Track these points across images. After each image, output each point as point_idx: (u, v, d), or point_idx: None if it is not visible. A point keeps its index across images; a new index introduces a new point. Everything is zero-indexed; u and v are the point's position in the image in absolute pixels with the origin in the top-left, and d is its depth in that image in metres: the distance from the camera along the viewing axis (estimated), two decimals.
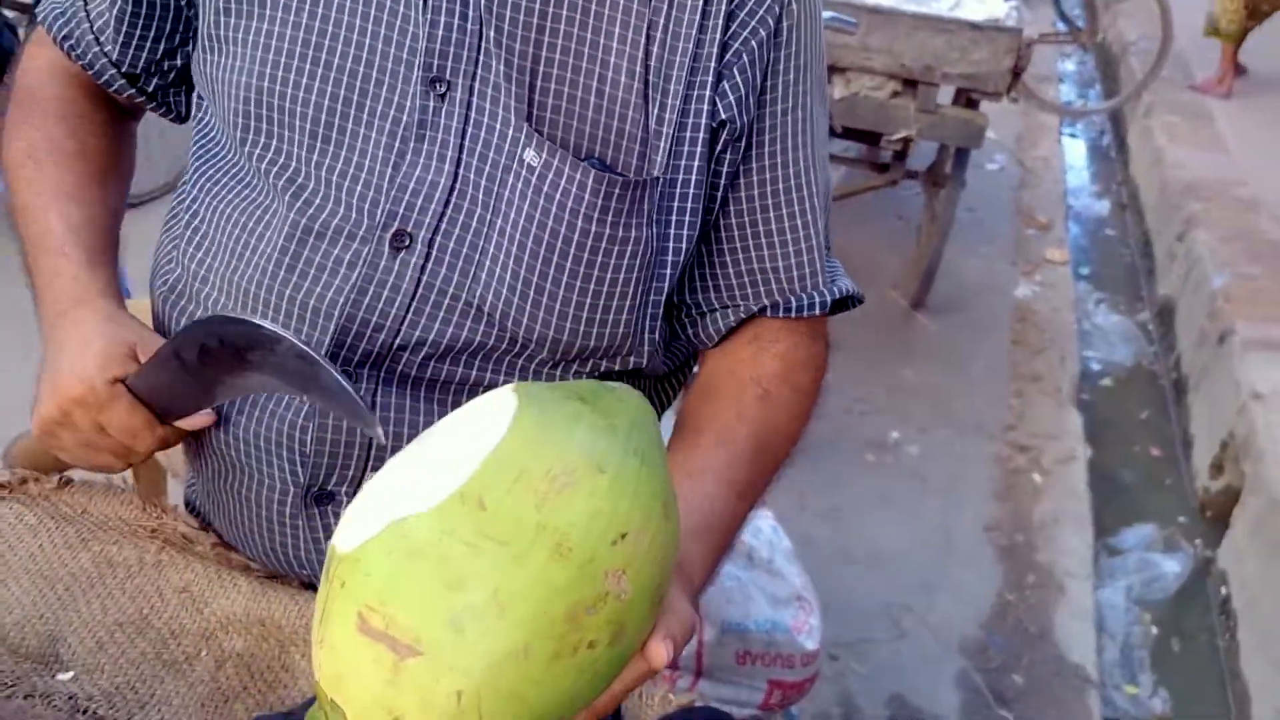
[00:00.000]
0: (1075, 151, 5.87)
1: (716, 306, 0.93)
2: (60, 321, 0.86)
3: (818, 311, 0.92)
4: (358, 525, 0.59)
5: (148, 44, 0.91)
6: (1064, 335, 3.84)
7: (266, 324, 0.76)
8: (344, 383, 0.74)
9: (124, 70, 0.93)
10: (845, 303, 0.97)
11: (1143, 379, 3.82)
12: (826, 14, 2.11)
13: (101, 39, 0.92)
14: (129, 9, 0.90)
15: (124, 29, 0.90)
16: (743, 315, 0.92)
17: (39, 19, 0.95)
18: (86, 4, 0.92)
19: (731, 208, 0.89)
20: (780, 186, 0.89)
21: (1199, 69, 5.90)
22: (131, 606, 0.88)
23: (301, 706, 0.78)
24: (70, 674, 0.83)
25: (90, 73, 0.94)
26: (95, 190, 0.93)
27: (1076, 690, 2.45)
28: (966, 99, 3.21)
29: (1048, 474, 3.10)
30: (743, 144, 0.87)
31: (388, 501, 0.59)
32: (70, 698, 0.80)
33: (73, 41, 0.93)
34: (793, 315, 0.92)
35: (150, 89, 0.95)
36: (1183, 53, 5.97)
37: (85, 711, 0.79)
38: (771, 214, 0.89)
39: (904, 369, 3.47)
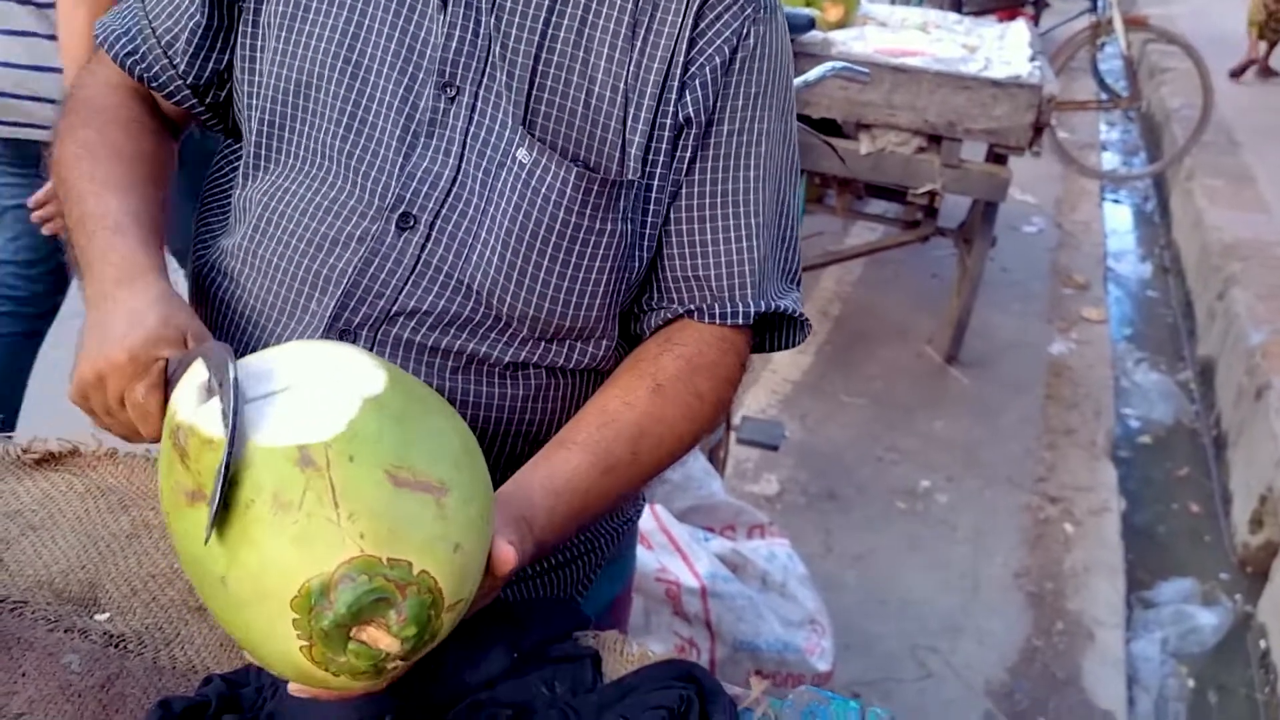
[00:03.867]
0: (1118, 216, 5.90)
1: (655, 306, 1.01)
2: (115, 292, 0.87)
3: (740, 321, 0.98)
4: (314, 418, 0.67)
5: (214, 56, 1.00)
6: (1100, 390, 3.85)
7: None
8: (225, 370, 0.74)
9: (189, 83, 1.01)
10: (784, 322, 1.03)
11: (1183, 437, 3.81)
12: (839, 64, 2.22)
13: (170, 53, 1.00)
14: (204, 23, 0.98)
15: (195, 41, 0.99)
16: (670, 315, 1.00)
17: (98, 40, 1.03)
18: (152, 22, 1.01)
19: (672, 215, 0.97)
20: (717, 200, 0.97)
21: (1240, 134, 5.94)
22: (164, 562, 0.98)
23: None
24: (106, 615, 0.92)
25: (154, 86, 1.03)
26: (150, 188, 0.99)
27: None
28: (994, 155, 3.29)
29: (1079, 525, 3.10)
30: (689, 155, 0.95)
31: (326, 398, 0.68)
32: (105, 634, 0.89)
33: (137, 57, 1.02)
34: (715, 321, 0.98)
35: (212, 100, 1.04)
36: (1225, 118, 6.02)
37: (117, 645, 0.88)
38: (707, 224, 0.97)
39: (935, 420, 3.51)
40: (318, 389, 0.70)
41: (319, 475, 0.64)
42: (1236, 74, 7.27)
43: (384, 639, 0.64)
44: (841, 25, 3.59)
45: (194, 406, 0.71)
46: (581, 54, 0.94)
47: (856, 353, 3.87)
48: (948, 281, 4.16)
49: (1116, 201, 6.06)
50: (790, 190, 1.03)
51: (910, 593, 2.73)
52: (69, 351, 0.90)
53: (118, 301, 0.87)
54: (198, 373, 0.75)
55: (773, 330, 1.04)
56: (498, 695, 0.85)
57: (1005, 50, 3.52)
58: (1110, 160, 6.79)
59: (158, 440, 0.84)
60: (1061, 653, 2.62)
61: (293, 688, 0.72)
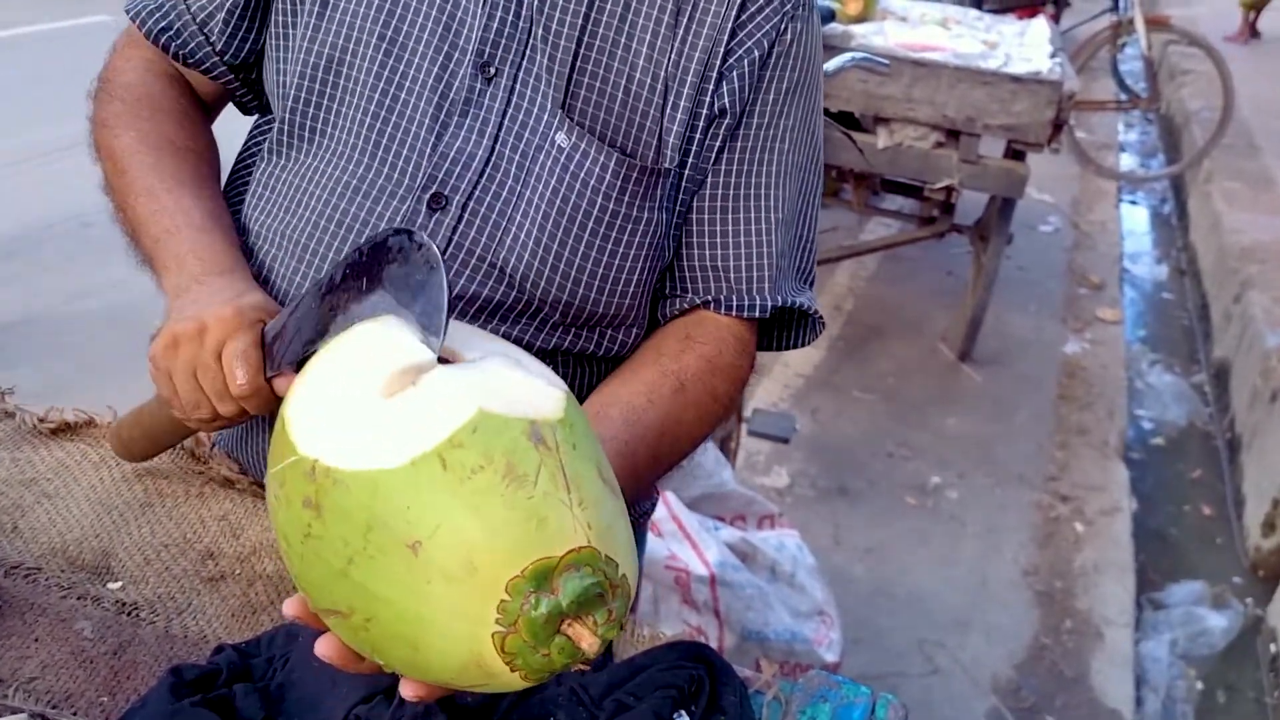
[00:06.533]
0: (1135, 218, 5.87)
1: (670, 294, 1.00)
2: (206, 279, 0.89)
3: (757, 314, 0.98)
4: (530, 396, 0.62)
5: (252, 33, 1.00)
6: (1113, 391, 3.83)
7: (419, 232, 0.73)
8: (446, 298, 0.68)
9: (227, 60, 1.01)
10: (799, 321, 1.03)
11: (1196, 439, 3.79)
12: (859, 55, 2.20)
13: (207, 30, 0.99)
14: (240, 3, 0.98)
15: (233, 20, 0.98)
16: (688, 305, 0.99)
17: (130, 14, 1.03)
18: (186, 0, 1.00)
19: (694, 204, 0.97)
20: (740, 192, 0.97)
21: (1261, 138, 5.90)
22: (176, 531, 0.98)
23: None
24: (119, 583, 0.92)
25: (191, 63, 1.02)
26: (213, 185, 1.01)
27: None
28: (1012, 152, 3.27)
29: (1090, 524, 3.08)
30: (718, 145, 0.95)
31: (528, 380, 0.64)
32: (117, 602, 0.89)
33: (172, 33, 1.00)
34: (733, 313, 0.98)
35: (248, 77, 1.03)
36: (1245, 121, 5.98)
37: (130, 614, 0.89)
38: (729, 216, 0.97)
39: (948, 417, 3.50)
40: (515, 368, 0.65)
41: (551, 455, 0.60)
42: (1231, 39, 8.20)
43: (587, 637, 0.59)
44: (861, 19, 3.58)
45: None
46: (624, 40, 0.93)
47: (869, 348, 3.86)
48: (963, 278, 4.15)
49: (1133, 203, 6.02)
50: (812, 192, 1.03)
51: (919, 587, 2.72)
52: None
53: (213, 284, 0.89)
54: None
55: (786, 327, 1.04)
56: None
57: (1025, 47, 3.50)
58: (1128, 161, 6.75)
59: (234, 412, 0.86)
60: (1070, 651, 2.61)
61: (406, 688, 0.64)
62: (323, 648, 0.64)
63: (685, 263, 0.99)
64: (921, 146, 3.12)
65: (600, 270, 0.94)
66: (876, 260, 4.42)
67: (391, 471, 0.58)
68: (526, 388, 0.63)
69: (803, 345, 1.05)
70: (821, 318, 1.03)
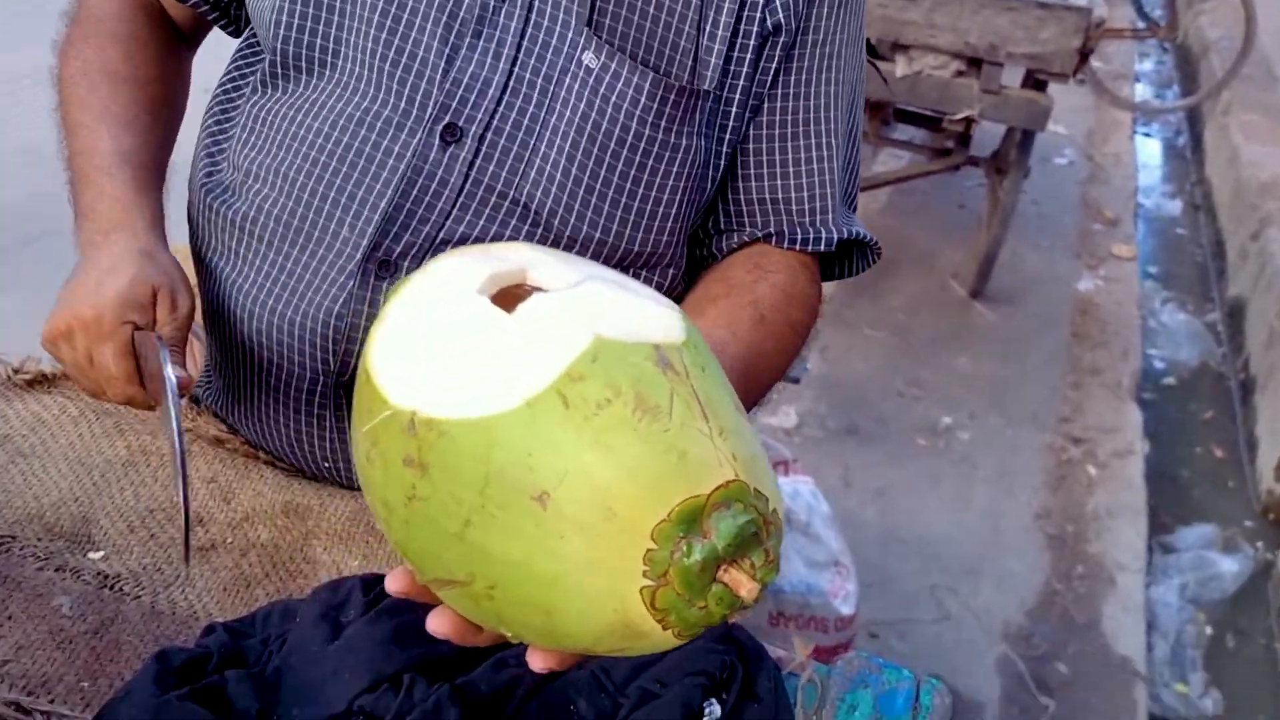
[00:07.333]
0: (1150, 150, 5.73)
1: (725, 229, 0.94)
2: (101, 242, 0.85)
3: (822, 247, 0.92)
4: (647, 318, 0.55)
5: None
6: (1127, 330, 3.75)
7: None
8: None
9: None
10: (854, 250, 0.97)
11: (1209, 380, 3.72)
12: None
13: None
14: None
15: None
16: (747, 239, 0.94)
17: None
18: None
19: (751, 133, 0.90)
20: (800, 117, 0.90)
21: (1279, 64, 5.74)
22: (163, 494, 0.91)
23: (325, 587, 0.79)
24: (101, 553, 0.85)
25: None
26: (146, 118, 0.93)
27: (1123, 683, 2.39)
28: (1033, 82, 3.14)
29: (1103, 467, 3.03)
30: (775, 66, 0.88)
31: (637, 301, 0.56)
32: (99, 574, 0.83)
33: None
34: (796, 247, 0.92)
35: (230, 5, 0.96)
36: (1265, 51, 5.80)
37: (112, 587, 0.82)
38: (789, 143, 0.90)
39: (959, 356, 3.42)
40: (620, 290, 0.57)
41: (681, 381, 0.52)
42: None
43: (746, 583, 0.51)
44: None
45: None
46: None
47: (880, 284, 3.77)
48: (975, 212, 4.04)
49: (1148, 135, 5.88)
50: (859, 109, 0.96)
51: (930, 531, 2.68)
52: (51, 267, 0.85)
53: (99, 252, 0.84)
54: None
55: (843, 257, 0.99)
56: (521, 653, 0.78)
57: None
58: (1143, 91, 6.58)
59: (122, 403, 0.83)
60: (1081, 597, 2.57)
61: (534, 659, 0.56)
62: (435, 624, 0.57)
63: (741, 195, 0.92)
64: (941, 75, 2.99)
65: (635, 204, 0.86)
66: (887, 193, 4.30)
67: (505, 415, 0.50)
68: (639, 309, 0.55)
69: (858, 274, 1.00)
70: (879, 245, 0.97)
